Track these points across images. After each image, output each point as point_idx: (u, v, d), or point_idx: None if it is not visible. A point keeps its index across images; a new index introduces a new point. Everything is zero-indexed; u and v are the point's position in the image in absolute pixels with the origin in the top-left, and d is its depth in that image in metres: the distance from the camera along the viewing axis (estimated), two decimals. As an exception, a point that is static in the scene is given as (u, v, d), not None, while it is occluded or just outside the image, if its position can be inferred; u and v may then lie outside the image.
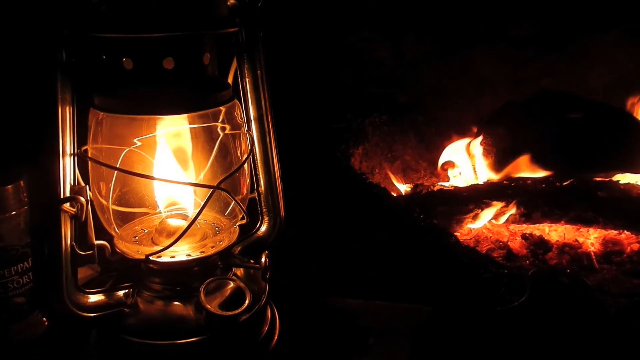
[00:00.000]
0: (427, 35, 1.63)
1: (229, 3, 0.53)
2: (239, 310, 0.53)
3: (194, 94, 0.51)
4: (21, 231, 0.59)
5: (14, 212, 0.58)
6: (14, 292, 0.59)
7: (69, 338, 0.60)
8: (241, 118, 0.57)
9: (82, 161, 0.52)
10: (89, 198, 0.50)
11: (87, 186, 0.51)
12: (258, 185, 0.63)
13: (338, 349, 0.61)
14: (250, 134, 0.60)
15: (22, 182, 0.58)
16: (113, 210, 0.56)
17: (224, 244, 0.57)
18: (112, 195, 0.55)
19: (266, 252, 0.60)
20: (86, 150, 0.52)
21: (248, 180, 0.60)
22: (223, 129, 0.56)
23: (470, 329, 0.62)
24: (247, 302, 0.54)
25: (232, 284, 0.57)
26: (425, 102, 1.67)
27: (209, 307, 0.52)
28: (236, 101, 0.56)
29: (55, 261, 0.48)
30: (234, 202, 0.55)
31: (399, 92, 1.69)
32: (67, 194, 0.49)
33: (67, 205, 0.48)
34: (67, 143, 0.48)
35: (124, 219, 0.58)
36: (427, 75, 1.66)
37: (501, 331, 0.61)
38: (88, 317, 0.52)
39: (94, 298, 0.53)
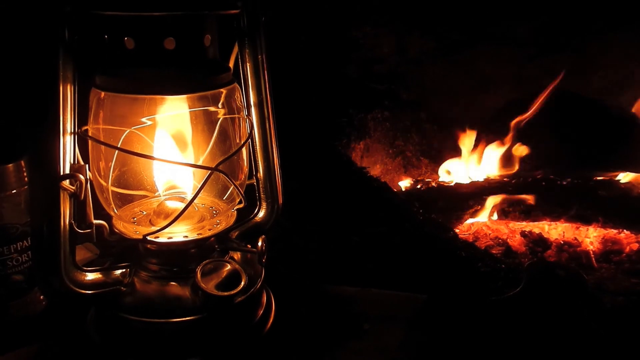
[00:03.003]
0: (431, 33, 1.64)
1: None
2: (235, 291, 0.53)
3: (195, 75, 0.51)
4: (21, 210, 0.60)
5: (14, 191, 0.59)
6: (13, 269, 0.60)
7: (67, 316, 0.61)
8: (241, 102, 0.58)
9: (82, 141, 0.52)
10: (88, 177, 0.51)
11: (87, 165, 0.51)
12: (257, 171, 0.63)
13: (332, 334, 0.62)
14: (249, 119, 0.60)
15: (23, 161, 0.59)
16: (112, 191, 0.56)
17: (220, 227, 0.58)
18: (112, 176, 0.56)
19: (263, 236, 0.61)
20: (86, 130, 0.53)
21: (246, 165, 0.60)
22: (222, 112, 0.56)
23: (465, 317, 0.63)
24: (242, 283, 0.55)
25: (228, 266, 0.57)
26: (428, 99, 1.68)
27: (205, 287, 0.53)
28: (236, 85, 0.57)
29: (53, 238, 0.49)
30: (232, 186, 0.56)
31: (402, 89, 1.69)
32: (67, 172, 0.49)
33: (66, 183, 0.49)
34: (67, 121, 0.48)
35: (123, 200, 0.58)
36: (430, 73, 1.66)
37: (495, 320, 0.61)
38: (85, 295, 0.52)
39: (91, 276, 0.53)
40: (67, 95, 0.48)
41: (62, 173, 0.49)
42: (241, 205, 0.59)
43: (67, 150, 0.49)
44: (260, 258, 0.60)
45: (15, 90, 0.59)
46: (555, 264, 0.79)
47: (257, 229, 0.65)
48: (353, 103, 1.57)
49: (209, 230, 0.57)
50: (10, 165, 0.58)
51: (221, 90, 0.55)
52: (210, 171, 0.52)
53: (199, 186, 0.52)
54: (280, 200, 0.65)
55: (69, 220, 0.50)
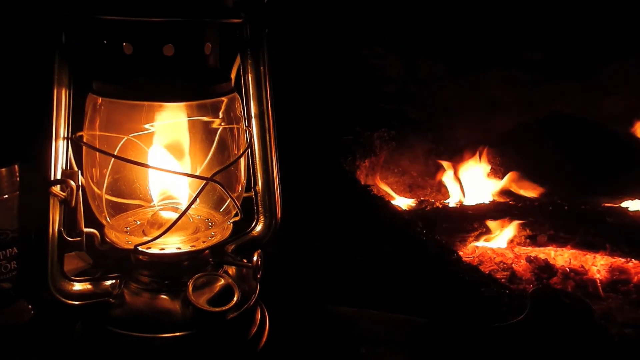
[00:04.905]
0: (441, 54, 1.63)
1: (234, -5, 0.52)
2: (227, 307, 0.52)
3: (193, 83, 0.50)
4: (13, 216, 0.58)
5: (6, 196, 0.58)
6: (1, 277, 0.58)
7: (55, 326, 0.59)
8: (241, 113, 0.57)
9: (77, 148, 0.51)
10: (80, 183, 0.49)
11: (80, 171, 0.50)
12: (255, 183, 0.62)
13: (328, 357, 0.60)
14: (250, 131, 0.59)
15: (16, 166, 0.57)
16: (106, 199, 0.55)
17: (215, 239, 0.56)
18: (106, 183, 0.54)
19: (259, 251, 0.59)
20: (81, 136, 0.51)
21: (244, 177, 0.59)
22: (221, 122, 0.55)
23: (466, 343, 0.60)
24: (235, 299, 0.53)
25: (221, 281, 0.55)
26: (436, 120, 1.67)
27: (196, 301, 0.51)
28: (236, 95, 0.55)
29: (41, 245, 0.47)
30: (228, 198, 0.54)
31: (410, 109, 1.68)
32: (58, 178, 0.48)
33: (56, 189, 0.47)
34: (61, 126, 0.47)
35: (116, 209, 0.57)
36: (438, 94, 1.66)
37: (497, 348, 0.59)
38: (72, 305, 0.51)
39: (79, 286, 0.52)
40: (62, 99, 0.47)
41: (53, 178, 0.47)
42: (237, 218, 0.57)
43: (60, 156, 0.48)
44: (255, 273, 0.58)
45: (10, 93, 0.58)
46: (561, 291, 0.77)
47: (253, 243, 0.63)
48: (360, 121, 1.56)
49: (203, 242, 0.56)
50: (3, 169, 0.57)
51: (221, 99, 0.54)
52: (205, 181, 0.51)
53: (194, 196, 0.50)
54: (279, 215, 0.63)
55: (59, 227, 0.49)
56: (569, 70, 1.51)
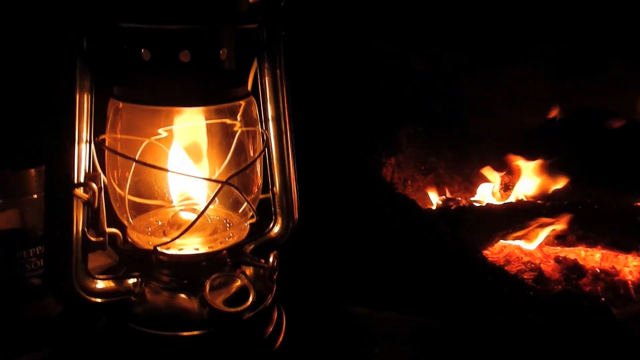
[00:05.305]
0: (466, 49, 1.61)
1: (251, 0, 0.53)
2: (241, 307, 0.53)
3: (209, 88, 0.51)
4: (42, 215, 0.61)
5: (35, 195, 0.60)
6: (31, 273, 0.61)
7: (80, 321, 0.61)
8: (257, 115, 0.58)
9: (100, 150, 0.53)
10: (102, 185, 0.51)
11: (102, 174, 0.52)
12: (273, 185, 0.63)
13: (342, 357, 0.60)
14: (266, 134, 0.60)
15: (45, 166, 0.60)
16: (127, 200, 0.57)
17: (232, 241, 0.57)
18: (128, 186, 0.56)
19: (275, 252, 0.60)
20: (103, 140, 0.53)
21: (260, 179, 0.60)
22: (239, 125, 0.56)
23: (481, 345, 0.60)
24: (250, 300, 0.54)
25: (238, 281, 0.56)
26: (463, 116, 1.65)
27: (212, 302, 0.52)
28: (252, 98, 0.56)
29: (65, 244, 0.49)
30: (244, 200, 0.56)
31: (436, 105, 1.66)
32: (82, 180, 0.50)
33: (79, 191, 0.49)
34: (83, 130, 0.49)
35: (138, 209, 0.59)
36: (465, 89, 1.64)
37: (512, 350, 0.58)
38: (95, 303, 0.53)
39: (102, 284, 0.53)
40: (84, 104, 0.49)
41: (76, 181, 0.49)
42: (253, 220, 0.58)
43: (82, 158, 0.50)
44: (271, 274, 0.59)
45: (36, 96, 0.60)
46: (580, 295, 0.75)
47: (271, 244, 0.64)
48: (386, 118, 1.55)
49: (221, 243, 0.57)
50: (32, 170, 0.59)
51: (238, 103, 0.55)
52: (220, 184, 0.52)
53: (209, 200, 0.51)
54: (296, 216, 0.64)
55: (82, 228, 0.51)
56: (597, 64, 1.46)
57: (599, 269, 1.23)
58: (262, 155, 0.59)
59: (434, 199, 1.50)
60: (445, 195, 1.53)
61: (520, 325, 0.65)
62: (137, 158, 0.54)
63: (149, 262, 0.58)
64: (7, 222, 0.59)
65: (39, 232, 0.61)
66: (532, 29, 1.51)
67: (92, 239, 0.52)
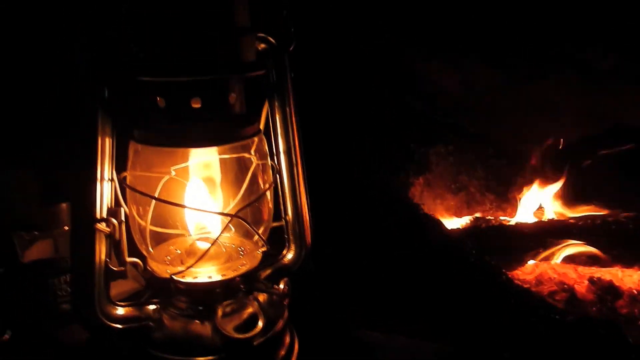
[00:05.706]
0: (499, 65, 1.60)
1: (259, 47, 0.57)
2: (250, 334, 0.55)
3: (219, 130, 0.55)
4: (72, 245, 0.66)
5: (66, 227, 0.65)
6: (62, 299, 0.66)
7: (107, 346, 0.66)
8: (266, 150, 0.61)
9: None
10: (122, 219, 0.56)
11: (122, 208, 0.56)
12: (286, 213, 0.66)
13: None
14: (276, 166, 0.63)
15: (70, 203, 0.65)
16: (148, 231, 0.61)
17: (244, 269, 0.60)
18: (149, 219, 0.60)
19: (286, 279, 0.62)
20: (125, 178, 0.58)
21: (271, 210, 0.63)
22: (252, 159, 0.60)
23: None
24: (259, 326, 0.57)
25: (250, 308, 0.59)
26: (495, 133, 1.63)
27: (223, 328, 0.55)
28: (261, 136, 0.60)
29: (89, 275, 0.54)
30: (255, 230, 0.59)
31: (469, 123, 1.66)
32: (104, 215, 0.54)
33: (101, 225, 0.54)
34: (105, 170, 0.54)
35: (157, 239, 0.63)
36: (498, 106, 1.62)
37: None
38: (116, 328, 0.57)
39: (123, 311, 0.58)
40: (106, 147, 0.54)
41: (98, 216, 0.54)
42: (264, 249, 0.61)
43: (105, 195, 0.55)
44: (282, 300, 0.62)
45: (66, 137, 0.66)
46: (598, 321, 0.73)
47: (284, 270, 0.67)
48: (415, 137, 1.56)
49: (234, 271, 0.60)
50: (64, 204, 0.65)
51: (249, 140, 0.58)
52: (230, 218, 0.55)
53: (218, 234, 0.55)
54: (309, 243, 0.67)
55: (104, 258, 0.55)
56: (634, 77, 1.43)
57: (637, 290, 1.19)
58: (272, 187, 0.62)
59: (465, 218, 1.49)
60: (475, 214, 1.52)
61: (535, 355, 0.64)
62: (157, 191, 0.58)
63: (168, 288, 0.62)
64: (42, 252, 0.65)
65: (69, 261, 0.66)
66: (567, 41, 1.49)
67: (114, 268, 0.56)
